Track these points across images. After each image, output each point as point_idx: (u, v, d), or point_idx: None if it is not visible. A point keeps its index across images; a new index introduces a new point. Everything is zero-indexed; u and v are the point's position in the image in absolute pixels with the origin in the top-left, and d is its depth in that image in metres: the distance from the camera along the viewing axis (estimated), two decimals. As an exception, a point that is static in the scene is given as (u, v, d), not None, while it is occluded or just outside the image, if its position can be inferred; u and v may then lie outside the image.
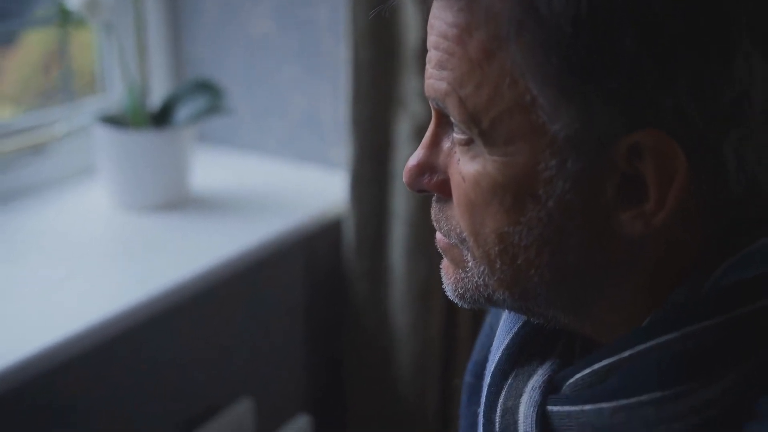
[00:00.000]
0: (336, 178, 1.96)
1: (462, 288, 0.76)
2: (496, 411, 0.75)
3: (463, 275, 0.76)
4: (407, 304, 1.87)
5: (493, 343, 0.83)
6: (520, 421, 0.74)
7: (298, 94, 2.05)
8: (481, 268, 0.73)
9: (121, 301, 1.48)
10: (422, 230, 1.82)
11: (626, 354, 0.69)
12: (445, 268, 0.79)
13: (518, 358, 0.78)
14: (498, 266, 0.72)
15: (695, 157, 0.65)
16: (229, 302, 1.74)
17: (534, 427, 0.72)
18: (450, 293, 0.78)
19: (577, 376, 0.72)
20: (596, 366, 0.71)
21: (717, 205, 0.68)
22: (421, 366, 1.92)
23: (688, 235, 0.69)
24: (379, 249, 1.89)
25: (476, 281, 0.74)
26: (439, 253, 0.79)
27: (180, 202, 1.84)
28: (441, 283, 0.79)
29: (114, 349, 1.50)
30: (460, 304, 0.78)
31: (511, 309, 0.77)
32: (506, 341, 0.80)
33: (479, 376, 0.84)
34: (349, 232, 1.90)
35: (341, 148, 1.93)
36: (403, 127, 1.81)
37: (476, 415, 0.79)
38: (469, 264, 0.74)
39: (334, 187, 1.95)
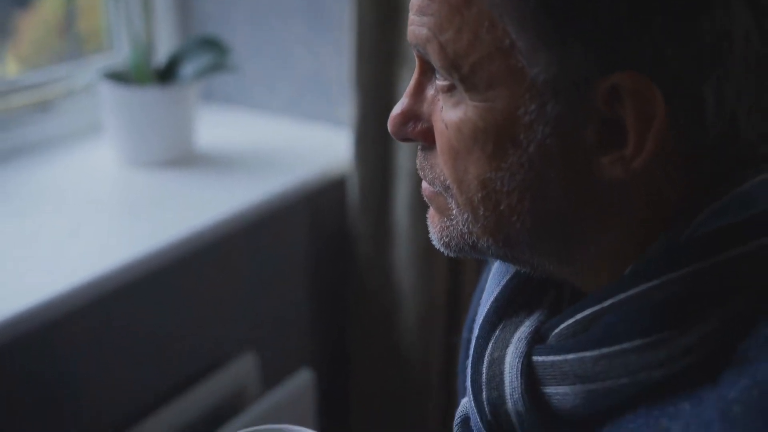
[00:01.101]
0: (341, 136, 1.96)
1: (447, 236, 0.77)
2: (483, 362, 0.76)
3: (447, 223, 0.76)
4: (411, 262, 1.87)
5: (483, 295, 0.83)
6: (506, 372, 0.74)
7: (304, 52, 2.05)
8: (465, 216, 0.73)
9: (125, 254, 1.49)
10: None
11: (608, 303, 0.69)
12: (431, 217, 0.79)
13: (506, 310, 0.78)
14: (481, 213, 0.72)
15: (674, 100, 0.65)
16: (233, 258, 1.75)
17: (519, 377, 0.73)
18: (436, 242, 0.79)
19: (562, 326, 0.73)
20: (579, 316, 0.72)
21: (697, 149, 0.68)
22: (425, 323, 1.92)
23: (668, 182, 0.69)
24: (384, 207, 1.89)
25: (460, 229, 0.75)
26: None
27: (185, 158, 1.85)
28: None
29: (118, 302, 1.51)
30: (446, 252, 0.79)
31: (496, 257, 0.77)
32: (495, 293, 0.80)
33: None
34: (354, 191, 1.90)
35: (347, 106, 1.92)
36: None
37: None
38: (454, 212, 0.75)
39: (339, 146, 1.94)
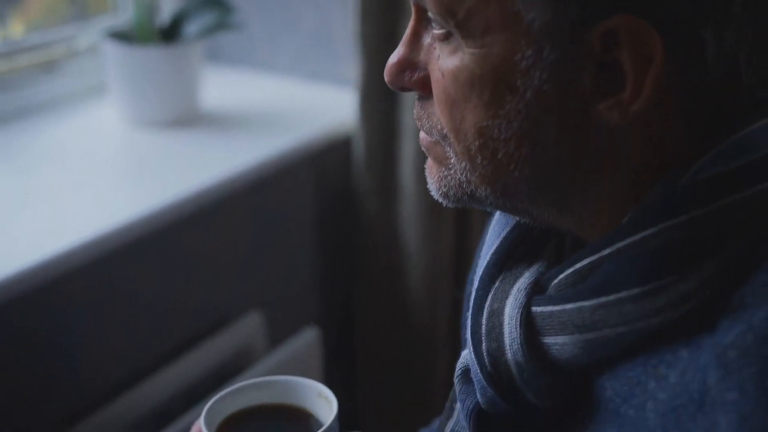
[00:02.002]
0: (347, 95, 1.95)
1: (445, 186, 0.76)
2: (483, 313, 0.76)
3: (446, 173, 0.76)
4: (418, 220, 1.87)
5: (483, 248, 0.83)
6: (505, 323, 0.74)
7: (309, 10, 2.03)
8: (463, 165, 0.73)
9: (130, 213, 1.49)
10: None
11: (606, 252, 0.69)
12: (429, 167, 0.79)
13: (506, 261, 0.78)
14: (479, 161, 0.71)
15: (672, 42, 0.64)
16: (238, 217, 1.75)
17: (518, 328, 0.72)
18: (434, 192, 0.78)
19: (561, 276, 0.73)
20: (578, 265, 0.71)
21: (696, 94, 0.67)
22: (432, 280, 1.92)
23: (667, 128, 0.68)
24: (389, 165, 1.89)
25: (459, 178, 0.74)
26: None
27: (189, 118, 1.84)
28: None
29: (122, 260, 1.51)
30: (444, 203, 0.78)
31: (494, 206, 0.76)
32: (495, 245, 0.80)
33: (475, 284, 0.84)
34: (359, 149, 1.89)
35: (352, 65, 1.91)
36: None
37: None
38: (451, 161, 0.74)
39: (344, 105, 1.93)
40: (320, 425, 0.84)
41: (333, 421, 0.83)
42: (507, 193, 0.73)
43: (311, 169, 1.89)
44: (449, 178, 0.75)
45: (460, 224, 1.94)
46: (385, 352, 2.00)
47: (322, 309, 2.00)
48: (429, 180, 0.79)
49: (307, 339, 1.85)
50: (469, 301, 0.79)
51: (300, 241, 1.92)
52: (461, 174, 0.74)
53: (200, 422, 0.84)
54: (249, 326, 1.77)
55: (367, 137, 1.87)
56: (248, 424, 0.86)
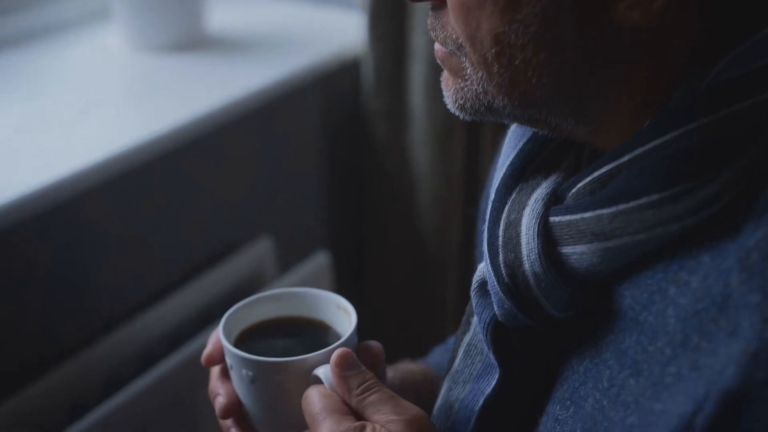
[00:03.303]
0: (355, 18, 1.92)
1: (462, 98, 0.75)
2: (499, 225, 0.75)
3: (462, 84, 0.74)
4: (427, 143, 1.86)
5: (499, 160, 0.82)
6: (522, 233, 0.73)
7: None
8: (480, 74, 0.72)
9: (136, 136, 1.48)
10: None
11: (626, 158, 0.68)
12: (445, 79, 0.78)
13: (522, 173, 0.77)
14: (496, 70, 0.70)
15: None
16: (247, 141, 1.74)
17: (536, 238, 0.72)
18: (450, 105, 0.77)
19: (579, 185, 0.72)
20: (596, 173, 0.70)
21: None
22: (442, 202, 1.91)
23: (688, 29, 0.67)
24: (399, 88, 1.87)
25: (475, 89, 0.73)
26: None
27: (195, 42, 1.82)
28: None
29: (133, 181, 1.50)
30: (461, 116, 0.77)
31: (512, 118, 0.75)
32: (511, 157, 0.79)
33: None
34: (368, 72, 1.87)
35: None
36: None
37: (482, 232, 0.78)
38: (468, 71, 0.73)
39: (353, 28, 1.91)
40: (339, 337, 0.84)
41: (352, 333, 0.83)
42: (525, 102, 0.72)
43: (320, 93, 1.87)
44: (466, 89, 0.74)
45: (470, 147, 1.92)
46: (395, 276, 2.00)
47: (332, 233, 2.00)
48: (445, 93, 0.77)
49: (318, 263, 1.85)
50: (484, 214, 0.78)
51: (309, 165, 1.91)
52: (478, 84, 0.72)
53: (218, 332, 0.84)
54: (259, 251, 1.77)
55: (376, 60, 1.85)
56: (267, 334, 0.86)
